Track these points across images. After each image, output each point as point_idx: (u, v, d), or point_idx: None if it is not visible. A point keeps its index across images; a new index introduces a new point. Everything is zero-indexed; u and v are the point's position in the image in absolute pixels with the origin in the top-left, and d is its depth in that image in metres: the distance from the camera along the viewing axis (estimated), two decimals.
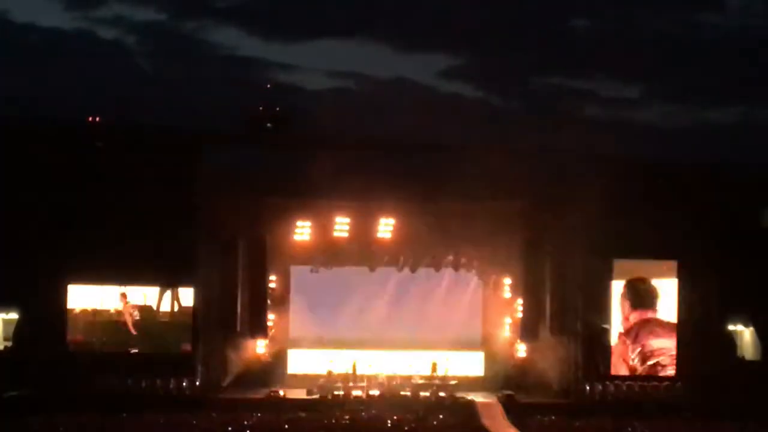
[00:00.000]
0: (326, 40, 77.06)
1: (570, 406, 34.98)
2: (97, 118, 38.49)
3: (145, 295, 35.92)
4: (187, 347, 35.70)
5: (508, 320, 39.34)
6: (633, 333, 36.28)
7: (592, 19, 72.45)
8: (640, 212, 35.87)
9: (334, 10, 67.28)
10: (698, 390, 35.55)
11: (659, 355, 36.29)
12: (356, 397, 35.22)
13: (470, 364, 39.15)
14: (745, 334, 38.36)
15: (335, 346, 38.62)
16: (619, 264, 36.56)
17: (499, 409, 34.17)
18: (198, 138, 37.46)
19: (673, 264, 36.44)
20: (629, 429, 31.72)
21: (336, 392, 35.39)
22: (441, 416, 32.79)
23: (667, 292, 36.47)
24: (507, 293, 39.36)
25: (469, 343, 39.54)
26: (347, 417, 32.36)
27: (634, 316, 36.34)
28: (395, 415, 32.30)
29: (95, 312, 35.72)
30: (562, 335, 36.92)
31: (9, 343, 36.46)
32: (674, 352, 36.24)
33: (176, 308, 36.04)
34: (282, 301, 39.08)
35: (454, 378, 37.36)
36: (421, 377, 37.22)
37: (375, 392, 35.67)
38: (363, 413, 33.01)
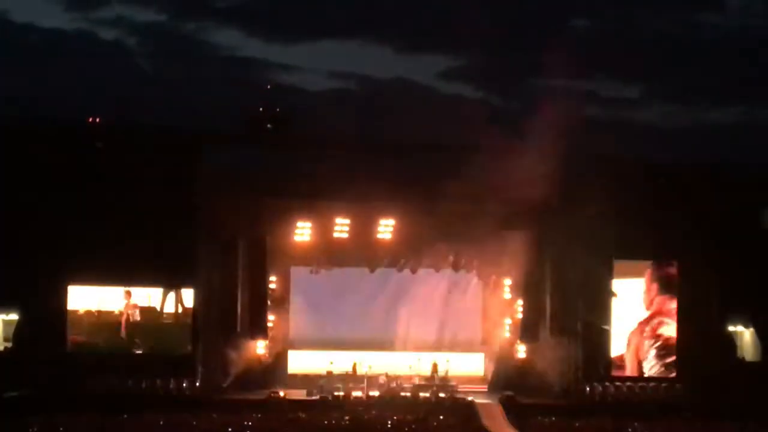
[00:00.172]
0: (326, 40, 77.14)
1: (570, 406, 34.99)
2: (97, 119, 38.50)
3: (150, 297, 35.92)
4: (188, 348, 35.68)
5: (508, 321, 39.34)
6: (654, 321, 36.20)
7: (592, 20, 72.44)
8: (640, 213, 35.90)
9: (335, 10, 67.31)
10: (698, 390, 35.58)
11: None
12: (356, 398, 35.20)
13: (470, 365, 39.15)
14: (745, 334, 38.36)
15: (335, 347, 38.63)
16: (619, 265, 36.56)
17: (499, 410, 34.16)
18: (198, 138, 37.47)
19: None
20: (629, 430, 31.78)
21: (336, 393, 35.36)
22: (441, 417, 32.81)
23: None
24: (507, 294, 39.37)
25: (470, 343, 39.57)
26: (347, 418, 32.36)
27: (659, 301, 36.30)
28: (395, 416, 32.32)
29: (99, 313, 35.69)
30: (562, 336, 36.92)
31: (9, 344, 36.43)
32: None
33: (180, 310, 36.01)
34: (282, 302, 39.06)
35: (454, 379, 37.35)
36: (422, 378, 37.21)
37: (375, 393, 35.66)
38: (363, 414, 33.01)
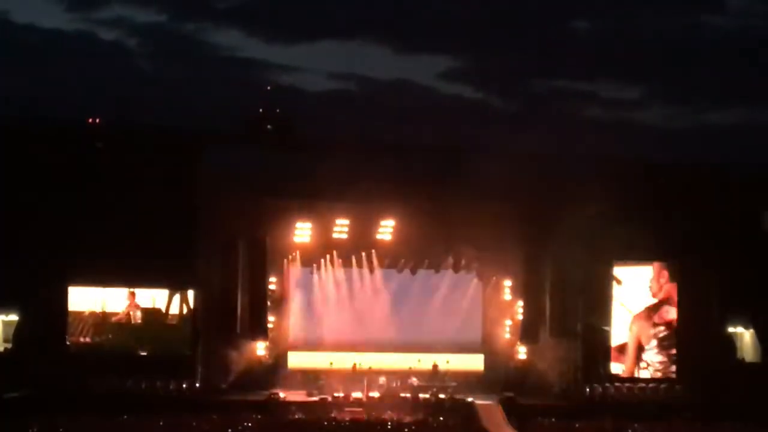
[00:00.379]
0: (326, 41, 77.24)
1: (570, 407, 34.94)
2: (98, 119, 38.53)
3: (154, 299, 35.92)
4: (188, 349, 35.70)
5: (508, 322, 39.33)
6: (663, 308, 36.30)
7: (592, 21, 72.50)
8: (640, 214, 35.87)
9: (335, 11, 67.39)
10: (698, 391, 35.57)
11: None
12: (356, 398, 35.17)
13: (470, 366, 39.11)
14: (745, 336, 38.34)
15: (335, 348, 38.61)
16: (619, 266, 36.59)
17: (499, 411, 34.15)
18: (198, 139, 37.48)
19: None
20: (629, 430, 31.80)
21: (336, 394, 35.34)
22: (441, 418, 32.83)
23: None
24: (507, 295, 39.36)
25: (470, 344, 39.52)
26: (347, 419, 32.36)
27: (668, 288, 36.31)
28: (395, 416, 32.32)
29: (103, 314, 35.71)
30: (563, 337, 36.91)
31: (9, 345, 36.41)
32: None
33: (185, 311, 36.03)
34: (282, 303, 39.05)
35: (454, 380, 37.32)
36: (422, 379, 37.17)
37: (375, 394, 35.63)
38: (363, 415, 32.99)
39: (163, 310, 36.04)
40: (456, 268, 39.18)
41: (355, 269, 38.99)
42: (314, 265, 38.98)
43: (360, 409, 33.77)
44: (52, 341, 35.13)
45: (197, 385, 35.53)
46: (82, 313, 35.63)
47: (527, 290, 37.69)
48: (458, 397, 35.64)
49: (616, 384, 36.24)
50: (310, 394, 35.80)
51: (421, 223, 36.69)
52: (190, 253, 35.49)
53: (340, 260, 38.82)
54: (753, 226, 38.21)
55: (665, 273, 36.54)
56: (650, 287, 36.56)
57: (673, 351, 36.48)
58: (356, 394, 35.49)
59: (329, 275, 39.12)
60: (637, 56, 64.10)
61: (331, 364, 37.89)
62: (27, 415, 31.32)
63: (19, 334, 36.07)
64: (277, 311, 38.67)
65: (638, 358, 36.48)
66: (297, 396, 35.75)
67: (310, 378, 37.33)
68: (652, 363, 36.51)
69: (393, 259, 38.77)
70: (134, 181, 35.47)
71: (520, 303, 38.16)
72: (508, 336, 39.32)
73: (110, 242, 34.97)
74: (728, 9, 77.06)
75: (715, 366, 36.21)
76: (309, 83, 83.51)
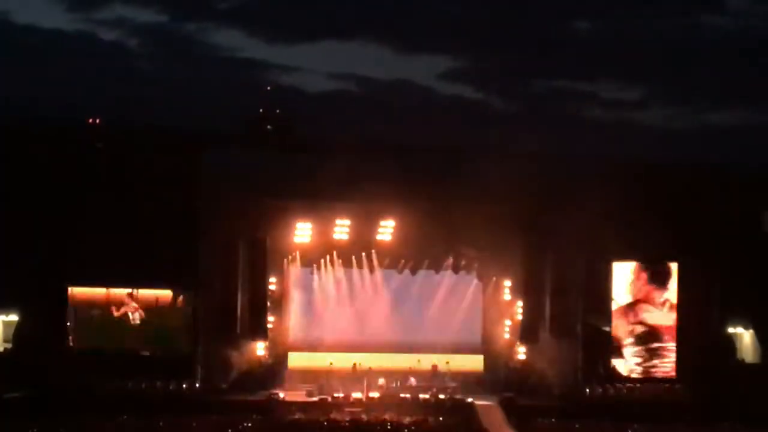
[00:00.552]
0: (327, 41, 77.21)
1: (570, 408, 34.90)
2: (98, 120, 38.56)
3: (157, 299, 35.93)
4: (188, 349, 35.72)
5: (508, 322, 39.32)
6: (637, 307, 36.42)
7: (593, 22, 72.48)
8: (640, 214, 35.84)
9: (335, 12, 67.38)
10: (698, 392, 35.54)
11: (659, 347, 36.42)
12: (356, 399, 35.18)
13: (470, 366, 39.10)
14: (744, 336, 38.33)
15: (335, 348, 38.61)
16: (619, 266, 36.61)
17: (499, 412, 34.16)
18: (199, 139, 37.49)
19: None
20: (629, 431, 31.74)
21: (336, 394, 35.35)
22: (441, 418, 32.82)
23: None
24: (507, 295, 39.35)
25: (469, 345, 39.51)
26: (347, 419, 32.36)
27: (646, 290, 36.37)
28: (395, 417, 32.30)
29: (103, 315, 35.71)
30: (562, 337, 36.89)
31: (9, 345, 36.43)
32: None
33: (190, 312, 36.00)
34: (282, 303, 39.05)
35: (454, 380, 37.32)
36: (421, 379, 37.16)
37: (375, 394, 35.63)
38: (363, 415, 33.01)
39: (164, 310, 36.03)
40: (456, 269, 39.17)
41: (355, 269, 38.99)
42: (314, 265, 38.98)
43: (360, 410, 33.78)
44: (53, 341, 35.13)
45: (197, 385, 35.54)
46: (81, 313, 35.63)
47: (527, 290, 37.67)
48: (458, 397, 35.66)
49: (616, 384, 36.25)
50: (310, 395, 35.80)
51: (421, 223, 36.70)
52: (191, 253, 35.47)
53: (341, 260, 38.82)
54: (753, 226, 38.20)
55: (644, 275, 36.52)
56: (629, 289, 36.56)
57: (656, 345, 36.41)
58: (356, 395, 35.49)
59: (329, 275, 39.12)
60: (637, 56, 64.09)
61: (331, 364, 37.90)
62: (27, 415, 31.36)
63: (19, 334, 36.10)
64: (277, 311, 38.68)
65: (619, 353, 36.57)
66: (297, 396, 35.76)
67: (310, 378, 37.33)
68: (629, 358, 36.51)
69: (393, 259, 38.77)
70: (134, 181, 35.48)
71: (520, 303, 38.15)
72: (507, 336, 39.31)
73: (110, 242, 34.98)
74: (728, 9, 77.11)
75: (715, 366, 36.19)
76: (309, 83, 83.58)
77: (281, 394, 35.50)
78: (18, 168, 35.93)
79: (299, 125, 42.46)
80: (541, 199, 36.14)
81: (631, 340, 36.46)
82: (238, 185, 36.04)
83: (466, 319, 39.65)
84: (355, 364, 37.83)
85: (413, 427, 31.29)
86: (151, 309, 35.92)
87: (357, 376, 37.05)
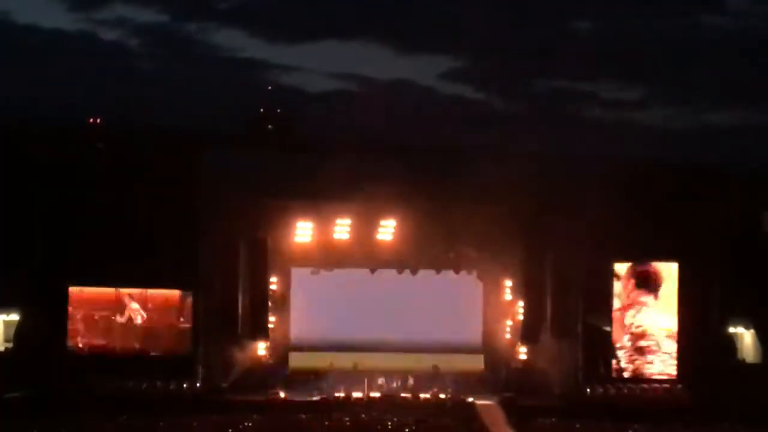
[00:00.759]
0: (327, 41, 77.27)
1: (571, 408, 34.88)
2: (98, 119, 38.58)
3: (159, 298, 35.89)
4: (189, 349, 35.75)
5: (508, 322, 39.29)
6: (628, 312, 36.50)
7: (594, 22, 72.52)
8: (640, 214, 35.84)
9: (335, 12, 67.40)
10: (699, 392, 35.51)
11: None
12: (357, 398, 35.18)
13: (471, 366, 39.08)
14: (745, 336, 38.31)
15: (336, 348, 38.57)
16: (620, 266, 36.61)
17: (499, 412, 34.15)
18: (199, 139, 37.50)
19: None
20: (630, 431, 31.73)
21: (336, 394, 35.35)
22: (441, 418, 32.76)
23: None
24: (508, 295, 39.31)
25: (470, 345, 39.50)
26: (348, 419, 32.34)
27: (635, 295, 36.37)
28: (396, 417, 32.27)
29: (106, 315, 35.71)
30: (563, 338, 36.88)
31: (10, 345, 36.43)
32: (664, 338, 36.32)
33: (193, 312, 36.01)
34: (283, 303, 39.03)
35: (454, 380, 37.30)
36: (422, 379, 37.13)
37: (375, 394, 35.64)
38: (363, 415, 32.99)
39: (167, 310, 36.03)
40: (456, 269, 39.16)
41: (356, 269, 38.99)
42: (315, 265, 38.95)
43: (361, 409, 33.77)
44: (53, 341, 35.13)
45: (198, 385, 35.54)
46: (83, 313, 35.63)
47: (528, 290, 37.68)
48: (459, 397, 35.66)
49: (617, 384, 36.24)
50: (310, 395, 35.80)
51: (421, 223, 36.71)
52: (191, 253, 35.49)
53: (341, 260, 38.79)
54: (754, 226, 38.20)
55: (632, 282, 36.51)
56: (620, 295, 36.57)
57: (648, 344, 36.42)
58: (357, 394, 35.50)
59: (330, 275, 39.09)
60: (637, 56, 64.13)
61: (332, 364, 37.87)
62: (27, 415, 31.35)
63: (20, 333, 36.10)
64: (278, 311, 38.67)
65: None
66: (298, 396, 35.76)
67: (311, 378, 37.33)
68: (621, 357, 36.55)
69: (394, 259, 38.74)
70: (135, 181, 35.47)
71: (521, 303, 38.15)
72: (508, 336, 39.29)
73: (111, 243, 34.98)
74: (728, 9, 77.26)
75: (715, 367, 36.17)
76: (310, 83, 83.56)
77: (282, 394, 35.52)
78: (18, 168, 35.91)
79: (300, 125, 42.48)
80: (541, 199, 36.12)
81: (627, 338, 36.47)
82: (239, 185, 36.06)
83: (467, 319, 39.60)
84: (355, 364, 37.81)
85: (414, 427, 31.26)
86: (151, 309, 35.90)
87: (357, 376, 37.03)
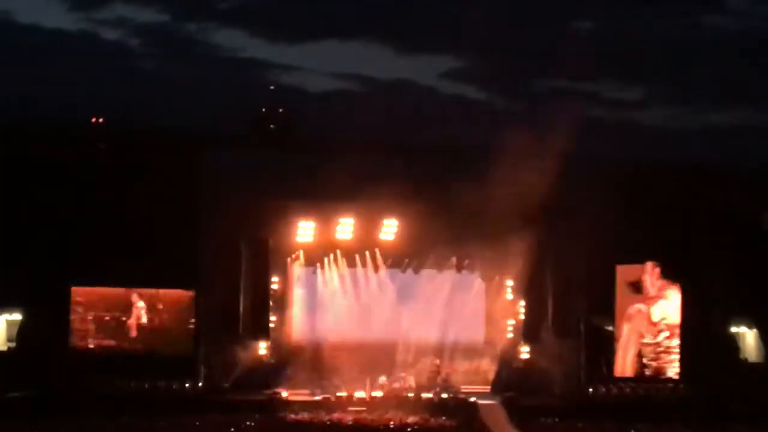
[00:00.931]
0: (328, 41, 77.13)
1: (573, 408, 34.86)
2: (100, 119, 38.54)
3: (162, 299, 35.87)
4: (190, 349, 35.69)
5: (511, 322, 39.28)
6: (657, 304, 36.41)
7: (594, 21, 72.48)
8: (642, 214, 35.85)
9: (336, 11, 67.32)
10: (701, 392, 35.50)
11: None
12: (359, 398, 35.15)
13: (473, 366, 39.06)
14: (748, 336, 38.32)
15: (337, 347, 38.54)
16: (621, 266, 36.58)
17: (501, 411, 34.13)
18: (200, 139, 37.48)
19: None
20: (632, 431, 31.71)
21: (339, 393, 35.31)
22: (443, 418, 32.77)
23: None
24: (510, 295, 39.31)
25: (472, 344, 39.48)
26: (350, 418, 32.34)
27: (660, 285, 36.31)
28: (398, 416, 32.29)
29: (108, 315, 35.67)
30: (565, 337, 36.88)
31: (12, 344, 36.40)
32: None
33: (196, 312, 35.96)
34: (284, 303, 39.02)
35: (456, 380, 37.27)
36: (424, 378, 37.11)
37: (378, 393, 35.61)
38: (365, 414, 32.98)
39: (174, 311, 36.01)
40: (459, 269, 39.17)
41: (358, 269, 38.99)
42: (317, 264, 38.98)
43: (363, 409, 33.76)
44: (56, 341, 35.10)
45: (199, 385, 35.52)
46: (84, 313, 35.58)
47: (529, 290, 37.69)
48: (461, 397, 35.64)
49: (620, 384, 36.22)
50: (312, 394, 35.78)
51: (424, 222, 36.69)
52: (192, 253, 35.44)
53: (344, 260, 38.80)
54: (756, 226, 38.20)
55: (657, 270, 36.49)
56: (647, 284, 36.53)
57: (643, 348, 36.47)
58: (359, 394, 35.47)
59: (332, 275, 39.11)
60: (637, 56, 64.01)
61: (333, 363, 37.80)
62: (28, 415, 31.32)
63: (22, 333, 36.07)
64: (280, 311, 38.66)
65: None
66: (299, 395, 35.74)
67: (313, 377, 37.29)
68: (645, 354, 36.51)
69: (396, 258, 38.77)
70: (136, 181, 35.45)
71: (523, 303, 38.15)
72: (510, 336, 39.28)
73: (112, 242, 34.94)
74: (728, 9, 77.07)
75: (718, 367, 36.16)
76: (311, 83, 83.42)
77: (284, 394, 35.45)
78: (19, 168, 35.88)
79: (301, 125, 42.41)
80: (544, 199, 36.09)
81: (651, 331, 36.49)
82: (240, 185, 36.04)
83: (469, 318, 39.65)
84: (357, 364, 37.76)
85: (416, 427, 31.28)
86: (152, 309, 35.87)
87: (359, 376, 36.98)
